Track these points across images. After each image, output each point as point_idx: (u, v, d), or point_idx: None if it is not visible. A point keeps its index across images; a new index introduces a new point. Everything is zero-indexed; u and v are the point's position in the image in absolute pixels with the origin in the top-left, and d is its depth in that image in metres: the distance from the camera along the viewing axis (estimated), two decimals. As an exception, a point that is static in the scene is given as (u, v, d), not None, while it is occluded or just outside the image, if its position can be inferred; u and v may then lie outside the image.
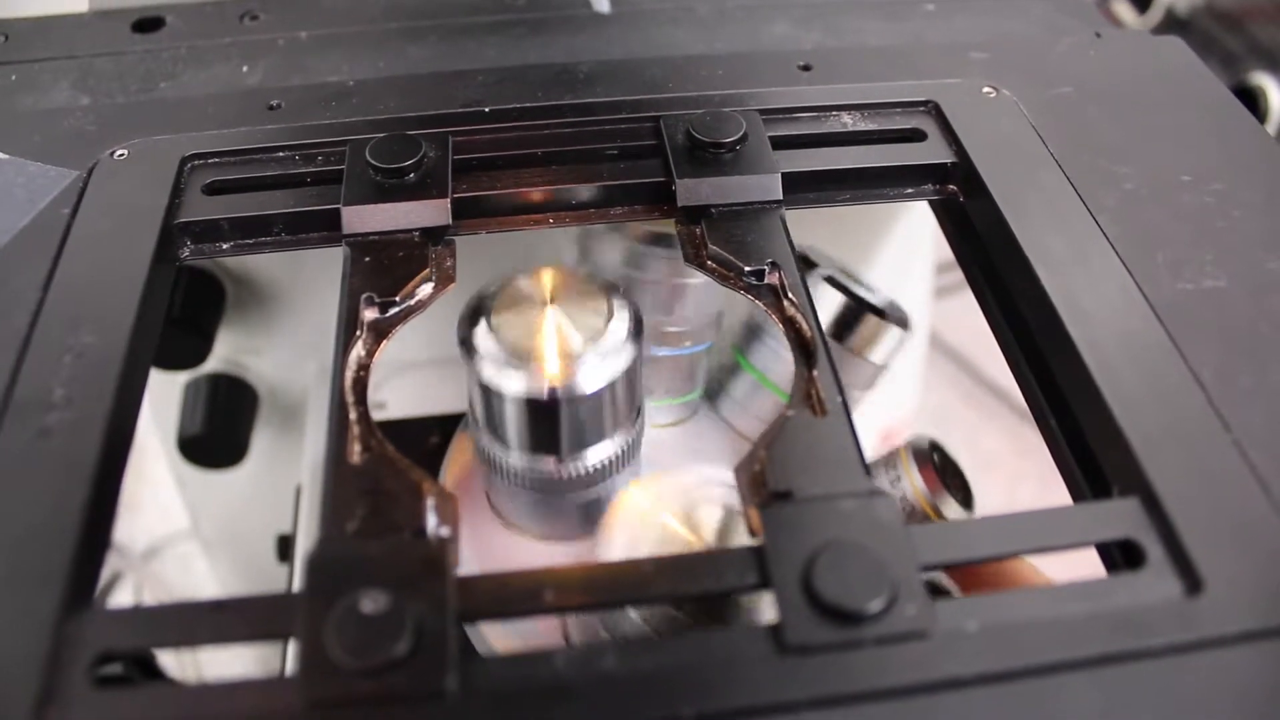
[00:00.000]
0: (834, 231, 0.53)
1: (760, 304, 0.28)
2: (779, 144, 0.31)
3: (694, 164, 0.30)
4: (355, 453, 0.23)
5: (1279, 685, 0.19)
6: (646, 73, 0.35)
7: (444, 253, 0.29)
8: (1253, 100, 0.89)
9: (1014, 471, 1.15)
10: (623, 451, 0.30)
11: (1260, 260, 0.28)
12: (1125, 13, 1.06)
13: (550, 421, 0.27)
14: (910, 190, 0.32)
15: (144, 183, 0.30)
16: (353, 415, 0.24)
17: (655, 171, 0.30)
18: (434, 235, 0.29)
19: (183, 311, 0.47)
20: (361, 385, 0.25)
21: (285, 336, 0.54)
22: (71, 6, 0.40)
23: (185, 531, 0.92)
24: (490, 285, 0.28)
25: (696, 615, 0.26)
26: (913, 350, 0.66)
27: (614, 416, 0.29)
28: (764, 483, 0.22)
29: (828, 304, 0.36)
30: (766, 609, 0.26)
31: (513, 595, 0.21)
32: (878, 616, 0.20)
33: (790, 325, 0.27)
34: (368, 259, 0.28)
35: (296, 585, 0.21)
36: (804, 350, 0.26)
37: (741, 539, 0.26)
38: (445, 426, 0.42)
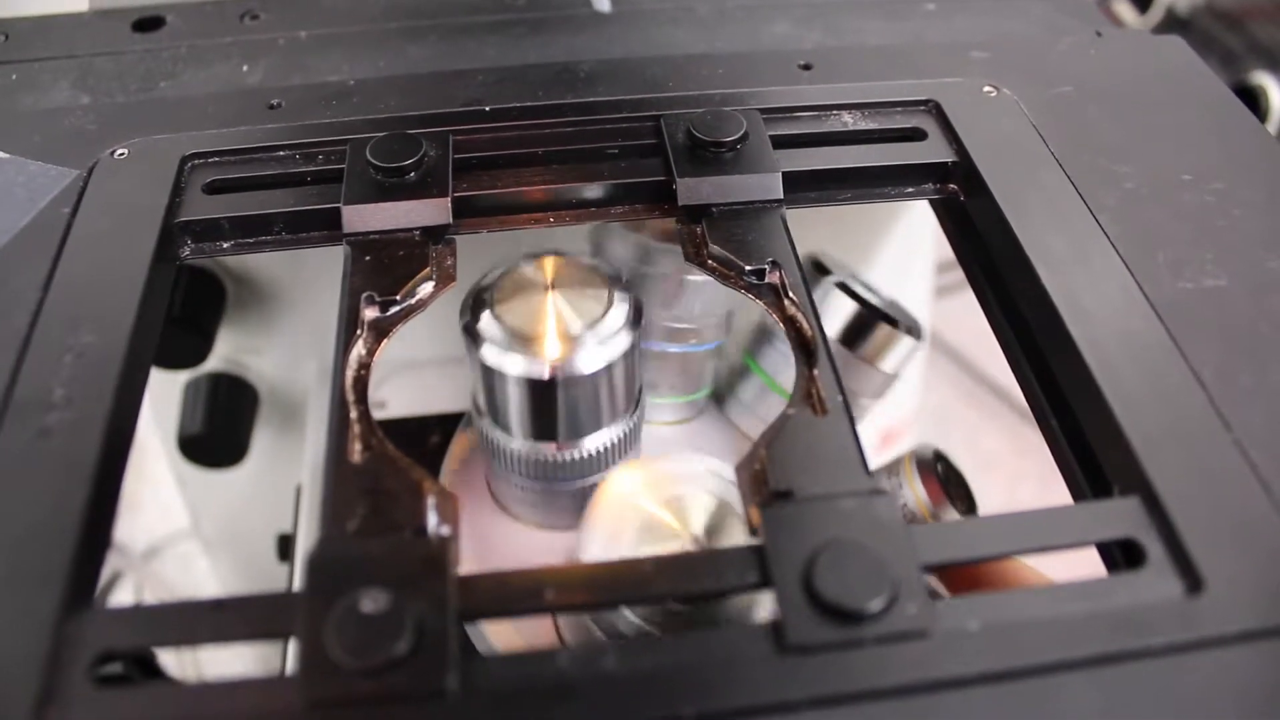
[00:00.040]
0: (835, 231, 0.53)
1: (761, 303, 0.28)
2: (779, 143, 0.31)
3: (695, 163, 0.30)
4: (356, 452, 0.23)
5: (1279, 685, 0.19)
6: (647, 72, 0.35)
7: (444, 252, 0.29)
8: (1253, 99, 0.89)
9: (1014, 471, 1.15)
10: (621, 439, 0.30)
11: (1261, 259, 0.28)
12: (1126, 12, 1.06)
13: (549, 403, 0.28)
14: (911, 189, 0.32)
15: (144, 182, 0.30)
16: (353, 414, 0.24)
17: (656, 170, 0.30)
18: (434, 234, 0.29)
19: (183, 311, 0.47)
20: (362, 384, 0.25)
21: (286, 336, 0.54)
22: (72, 6, 0.40)
23: (185, 531, 0.92)
24: (493, 272, 0.29)
25: (688, 605, 0.26)
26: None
27: (612, 404, 0.29)
28: (764, 481, 0.22)
29: (840, 311, 0.36)
30: (761, 605, 0.26)
31: (513, 594, 0.21)
32: (878, 616, 0.20)
33: (791, 324, 0.27)
34: (368, 258, 0.28)
35: (297, 584, 0.21)
36: (804, 349, 0.26)
37: (733, 531, 0.26)
38: (445, 425, 0.42)
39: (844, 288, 0.36)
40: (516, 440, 0.30)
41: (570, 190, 0.30)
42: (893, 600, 0.20)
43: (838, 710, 0.19)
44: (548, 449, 0.29)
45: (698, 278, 0.33)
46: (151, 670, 0.51)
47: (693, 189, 0.29)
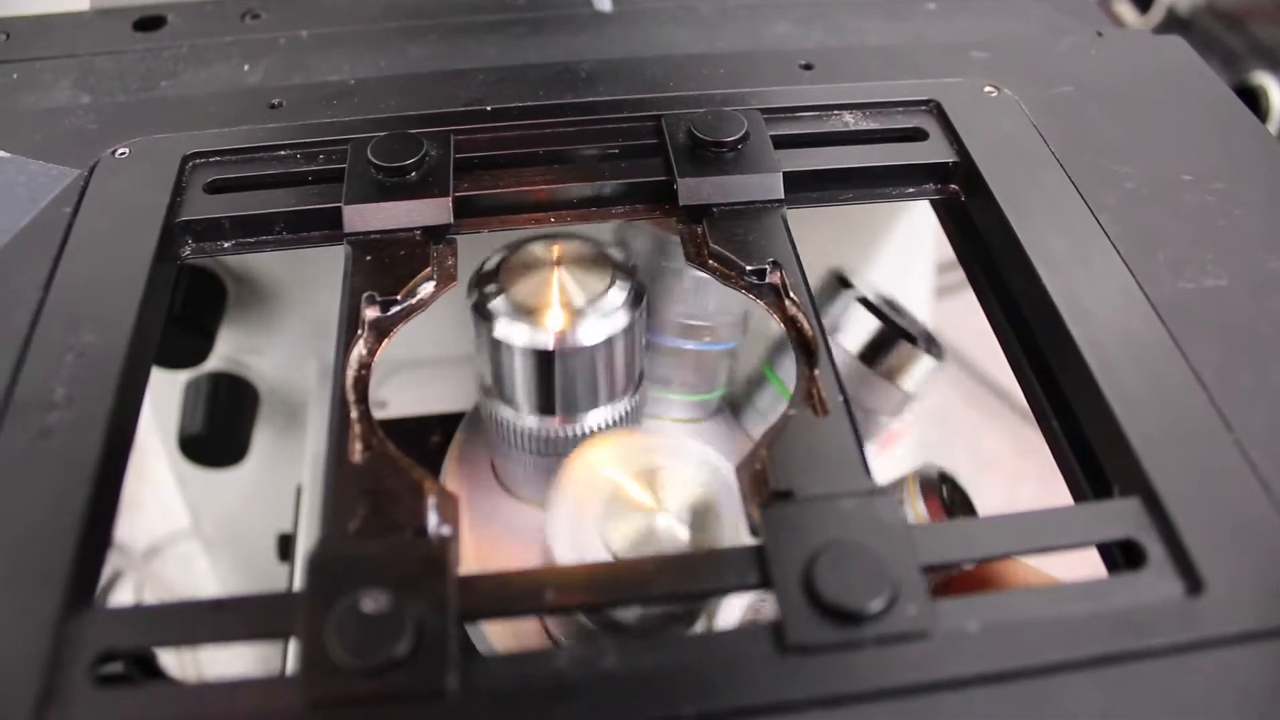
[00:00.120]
0: (836, 231, 0.53)
1: (761, 303, 0.28)
2: (780, 143, 0.31)
3: (695, 163, 0.30)
4: (356, 451, 0.23)
5: (1279, 686, 0.19)
6: (648, 72, 0.35)
7: (445, 251, 0.29)
8: (1254, 99, 0.89)
9: (1014, 471, 1.15)
10: (622, 417, 0.31)
11: (1262, 259, 0.27)
12: (1126, 12, 1.06)
13: (552, 374, 0.29)
14: (912, 189, 0.31)
15: (145, 181, 0.30)
16: (354, 414, 0.24)
17: (657, 170, 0.30)
18: (435, 234, 0.29)
19: (184, 310, 0.47)
20: (363, 384, 0.25)
21: (286, 335, 0.54)
22: (72, 5, 0.40)
23: (186, 531, 0.92)
24: (495, 255, 0.30)
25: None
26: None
27: (612, 380, 0.30)
28: (765, 482, 0.22)
29: (861, 326, 0.36)
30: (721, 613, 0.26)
31: (514, 595, 0.21)
32: (878, 616, 0.20)
33: (791, 324, 0.27)
34: (369, 258, 0.28)
35: (297, 584, 0.21)
36: (805, 349, 0.26)
37: (711, 517, 0.26)
38: (446, 425, 0.42)
39: (866, 303, 0.36)
40: (522, 415, 0.31)
41: (571, 190, 0.30)
42: (893, 601, 0.20)
43: (838, 711, 0.19)
44: (552, 423, 0.30)
45: None
46: (152, 670, 0.51)
47: (693, 189, 0.29)
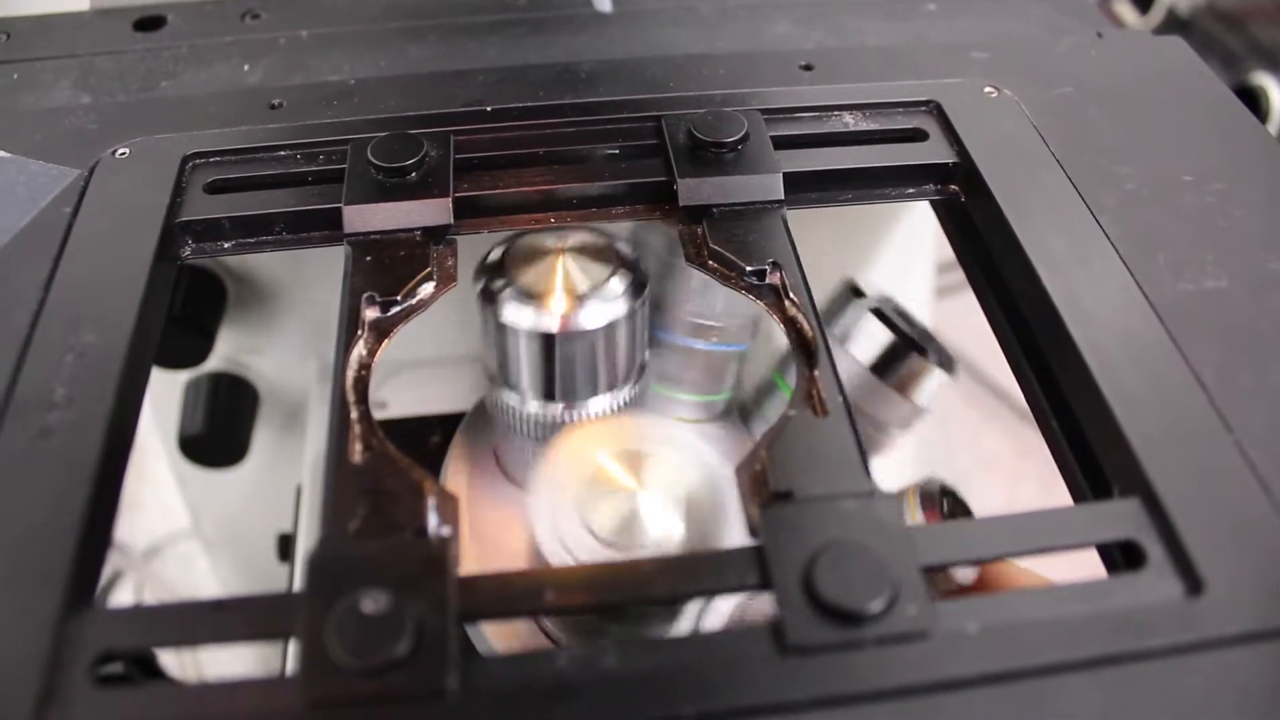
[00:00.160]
0: (835, 231, 0.53)
1: (761, 303, 0.28)
2: (780, 144, 0.31)
3: (695, 163, 0.30)
4: (356, 452, 0.23)
5: (1279, 686, 0.19)
6: (648, 72, 0.35)
7: (445, 252, 0.29)
8: (1254, 100, 0.89)
9: (1014, 471, 1.15)
10: (623, 406, 0.32)
11: (1261, 260, 0.28)
12: (1127, 13, 1.06)
13: (554, 357, 0.30)
14: (912, 190, 0.32)
15: (145, 181, 0.30)
16: (354, 414, 0.24)
17: (657, 171, 0.30)
18: (435, 234, 0.29)
19: (184, 310, 0.47)
20: (363, 384, 0.25)
21: (286, 336, 0.54)
22: (73, 5, 0.40)
23: (186, 531, 0.92)
24: (498, 247, 0.31)
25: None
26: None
27: (613, 367, 0.31)
28: (765, 482, 0.22)
29: (872, 337, 0.36)
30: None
31: (514, 595, 0.21)
32: (878, 617, 0.20)
33: (791, 325, 0.27)
34: (369, 258, 0.28)
35: (297, 585, 0.21)
36: (805, 350, 0.26)
37: (696, 505, 0.26)
38: (446, 426, 0.42)
39: (878, 313, 0.36)
40: (526, 400, 0.31)
41: (571, 190, 0.30)
42: (893, 601, 0.20)
43: (838, 711, 0.19)
44: (555, 409, 0.31)
45: None
46: (152, 670, 0.51)
47: (693, 189, 0.29)
